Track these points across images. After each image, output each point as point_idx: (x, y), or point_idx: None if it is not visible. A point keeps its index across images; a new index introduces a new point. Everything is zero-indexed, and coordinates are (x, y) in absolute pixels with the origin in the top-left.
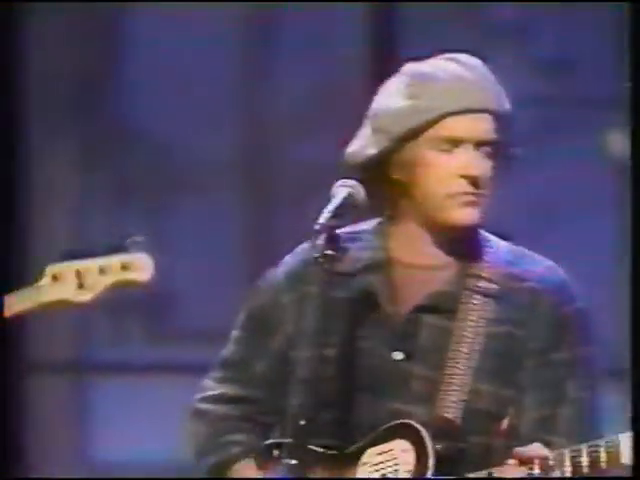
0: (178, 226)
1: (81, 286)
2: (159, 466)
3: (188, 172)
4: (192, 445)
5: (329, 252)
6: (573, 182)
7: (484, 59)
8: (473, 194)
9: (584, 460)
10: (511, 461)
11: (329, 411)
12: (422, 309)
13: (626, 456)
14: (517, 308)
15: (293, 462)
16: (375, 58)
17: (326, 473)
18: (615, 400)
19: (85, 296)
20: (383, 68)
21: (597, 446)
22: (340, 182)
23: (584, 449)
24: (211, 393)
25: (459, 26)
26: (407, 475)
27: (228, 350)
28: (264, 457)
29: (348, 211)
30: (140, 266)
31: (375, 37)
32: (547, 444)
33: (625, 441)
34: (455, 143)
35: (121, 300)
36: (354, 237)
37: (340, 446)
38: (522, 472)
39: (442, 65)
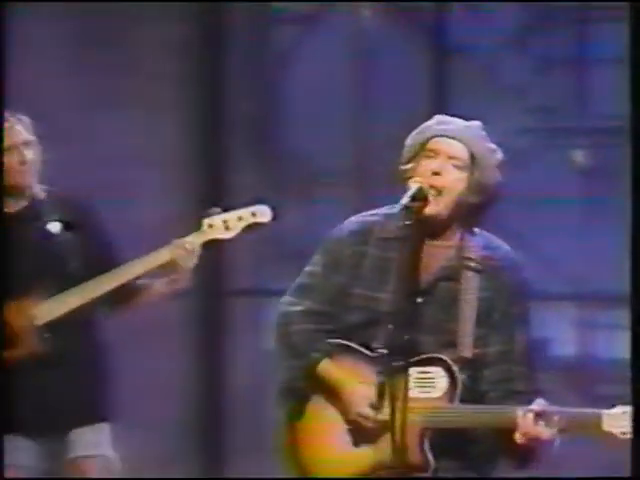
0: (315, 211)
1: (227, 228)
2: None
3: (322, 174)
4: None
5: (408, 222)
6: (549, 180)
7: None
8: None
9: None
10: (520, 411)
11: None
12: (438, 278)
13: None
14: (489, 279)
15: (399, 362)
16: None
17: (387, 376)
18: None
19: (228, 234)
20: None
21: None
22: (413, 179)
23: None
24: (292, 309)
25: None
26: (440, 392)
27: (304, 278)
28: (342, 354)
29: (419, 198)
30: (263, 214)
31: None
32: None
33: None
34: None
35: (280, 252)
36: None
37: (395, 358)
38: (531, 421)
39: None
